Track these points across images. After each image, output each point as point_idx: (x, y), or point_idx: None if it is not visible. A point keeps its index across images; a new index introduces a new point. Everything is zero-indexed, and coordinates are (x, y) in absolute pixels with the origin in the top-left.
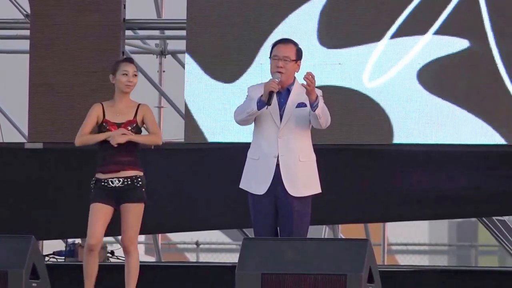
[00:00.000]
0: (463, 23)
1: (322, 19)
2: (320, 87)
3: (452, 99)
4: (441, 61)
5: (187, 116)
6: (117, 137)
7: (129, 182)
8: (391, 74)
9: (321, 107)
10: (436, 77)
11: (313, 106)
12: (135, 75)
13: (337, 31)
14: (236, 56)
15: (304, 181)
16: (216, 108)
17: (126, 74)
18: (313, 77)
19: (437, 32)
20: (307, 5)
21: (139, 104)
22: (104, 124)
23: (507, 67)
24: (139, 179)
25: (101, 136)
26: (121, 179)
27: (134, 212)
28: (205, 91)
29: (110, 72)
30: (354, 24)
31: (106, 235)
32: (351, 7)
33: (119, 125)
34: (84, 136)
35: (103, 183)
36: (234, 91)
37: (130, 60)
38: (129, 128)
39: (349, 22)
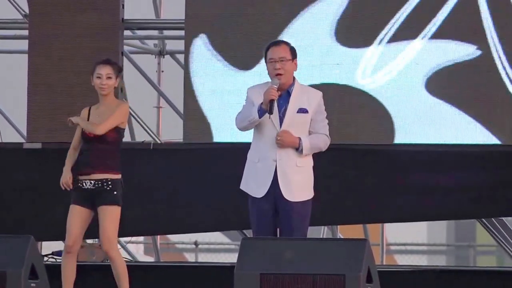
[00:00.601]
0: (463, 25)
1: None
2: (319, 85)
3: (453, 101)
4: (443, 63)
5: (186, 117)
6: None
7: (99, 184)
8: (392, 74)
9: (308, 148)
10: (438, 79)
11: (298, 151)
12: (109, 77)
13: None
14: (234, 56)
15: (298, 185)
16: (215, 108)
17: (99, 77)
18: (281, 137)
19: (436, 35)
20: (314, 7)
21: (120, 103)
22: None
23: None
24: (109, 183)
25: (67, 165)
26: (92, 181)
27: (107, 215)
28: (204, 93)
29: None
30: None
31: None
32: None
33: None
34: (69, 154)
35: (79, 184)
36: (233, 92)
37: (105, 62)
38: None
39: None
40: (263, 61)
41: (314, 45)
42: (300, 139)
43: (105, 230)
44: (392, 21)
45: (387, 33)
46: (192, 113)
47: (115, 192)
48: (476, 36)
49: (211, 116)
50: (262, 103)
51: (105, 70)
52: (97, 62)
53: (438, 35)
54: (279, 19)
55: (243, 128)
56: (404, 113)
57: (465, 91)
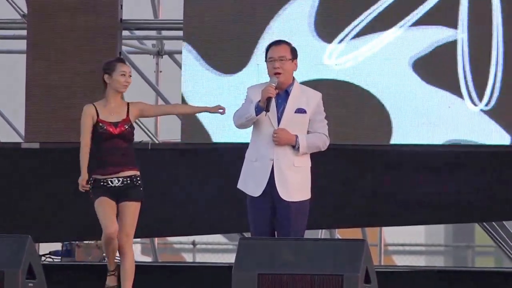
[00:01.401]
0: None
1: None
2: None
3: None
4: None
5: (184, 117)
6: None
7: (129, 181)
8: (389, 71)
9: (305, 146)
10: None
11: (295, 149)
12: (131, 76)
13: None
14: (233, 56)
15: (295, 186)
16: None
17: (124, 75)
18: (277, 134)
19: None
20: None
21: (128, 103)
22: (100, 124)
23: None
24: (138, 178)
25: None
26: (120, 179)
27: (131, 210)
28: (202, 91)
29: (103, 71)
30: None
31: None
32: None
33: (115, 125)
34: (84, 153)
35: (102, 183)
36: (231, 90)
37: (124, 61)
38: (126, 127)
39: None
40: (260, 55)
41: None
42: (297, 137)
43: (128, 225)
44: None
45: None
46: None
47: (141, 188)
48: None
49: (209, 117)
50: (259, 100)
51: (128, 68)
52: (113, 61)
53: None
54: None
55: (240, 126)
56: (402, 114)
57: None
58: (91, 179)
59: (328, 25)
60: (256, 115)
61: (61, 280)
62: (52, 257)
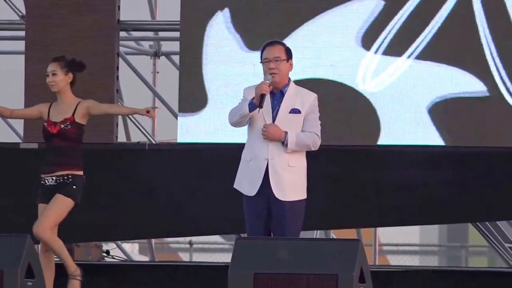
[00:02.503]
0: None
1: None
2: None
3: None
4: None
5: (181, 117)
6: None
7: (61, 180)
8: (383, 77)
9: (293, 142)
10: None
11: (284, 145)
12: (54, 74)
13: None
14: (229, 57)
15: (290, 185)
16: (210, 109)
17: (47, 75)
18: (266, 128)
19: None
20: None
21: (79, 101)
22: (45, 124)
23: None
24: (70, 177)
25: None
26: (54, 178)
27: (56, 202)
28: (198, 93)
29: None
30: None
31: (105, 239)
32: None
33: (55, 124)
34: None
35: (42, 181)
36: (228, 92)
37: (54, 59)
38: (64, 126)
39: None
40: (257, 57)
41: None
42: (286, 133)
43: (44, 217)
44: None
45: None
46: (187, 114)
47: (74, 186)
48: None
49: (206, 117)
50: (253, 98)
51: (50, 67)
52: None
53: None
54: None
55: (234, 123)
56: (391, 114)
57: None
58: (39, 177)
59: None
60: (250, 112)
61: (59, 279)
62: None
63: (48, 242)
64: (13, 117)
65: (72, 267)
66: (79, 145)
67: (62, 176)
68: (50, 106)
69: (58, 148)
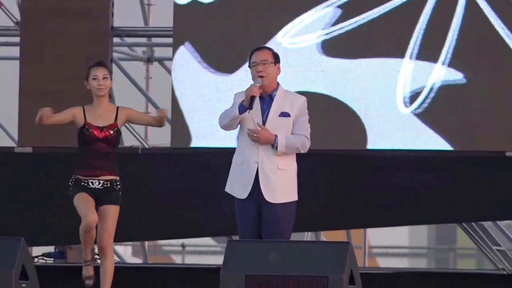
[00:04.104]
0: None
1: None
2: (304, 93)
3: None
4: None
5: (174, 122)
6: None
7: (109, 185)
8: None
9: (283, 145)
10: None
11: (273, 148)
12: (106, 78)
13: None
14: (222, 63)
15: (281, 188)
16: (202, 113)
17: (96, 78)
18: (254, 132)
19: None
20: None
21: (118, 107)
22: (86, 126)
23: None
24: (118, 183)
25: (58, 119)
26: (101, 181)
27: (112, 213)
28: (191, 98)
29: (84, 79)
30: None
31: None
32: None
33: (101, 129)
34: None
35: (83, 183)
36: (220, 98)
37: (100, 64)
38: (111, 132)
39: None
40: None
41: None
42: (276, 136)
43: (108, 227)
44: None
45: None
46: (179, 119)
47: (120, 193)
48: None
49: (198, 122)
50: (243, 100)
51: (101, 71)
52: (90, 66)
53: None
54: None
55: (225, 126)
56: (378, 120)
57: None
58: (72, 178)
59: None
60: (240, 114)
61: (53, 281)
62: (45, 258)
63: (110, 258)
64: (48, 123)
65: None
66: (116, 150)
67: (110, 181)
68: (84, 109)
69: (104, 153)
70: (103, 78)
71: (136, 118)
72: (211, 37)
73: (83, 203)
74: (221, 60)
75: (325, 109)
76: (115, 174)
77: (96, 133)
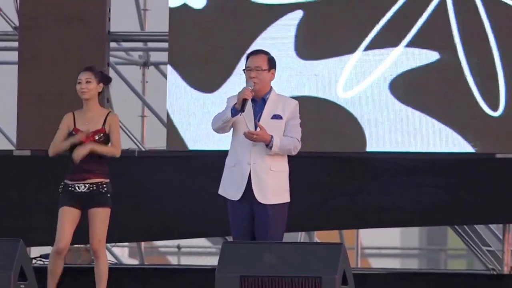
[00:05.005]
0: (433, 35)
1: (299, 31)
2: (296, 97)
3: (423, 109)
4: (412, 72)
5: (169, 125)
6: (78, 152)
7: (94, 188)
8: (364, 85)
9: (278, 146)
10: (407, 88)
11: (268, 147)
12: (89, 81)
13: (314, 43)
14: (216, 67)
15: (273, 190)
16: (197, 117)
17: (80, 82)
18: (251, 133)
19: (408, 45)
20: (286, 18)
21: (108, 112)
22: (73, 132)
23: (475, 77)
24: (104, 185)
25: (67, 143)
26: (87, 185)
27: (101, 217)
28: (186, 101)
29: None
30: (329, 36)
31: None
32: (327, 19)
33: (88, 134)
34: (55, 144)
35: (70, 188)
36: (214, 100)
37: (86, 69)
38: (97, 138)
39: (324, 34)
40: (243, 67)
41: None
42: (272, 136)
43: (97, 231)
44: (366, 33)
45: (360, 45)
46: (175, 122)
47: (108, 195)
48: (446, 47)
49: (194, 125)
50: (235, 103)
51: (84, 75)
52: (80, 71)
53: (410, 46)
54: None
55: (217, 129)
56: (375, 122)
57: (435, 101)
58: (62, 184)
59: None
60: (232, 117)
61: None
62: (43, 260)
63: (103, 259)
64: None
65: None
66: (107, 157)
67: (95, 184)
68: (73, 114)
69: (91, 157)
70: (86, 82)
71: (111, 131)
72: (207, 41)
73: (61, 223)
74: (216, 65)
75: (319, 112)
76: (103, 176)
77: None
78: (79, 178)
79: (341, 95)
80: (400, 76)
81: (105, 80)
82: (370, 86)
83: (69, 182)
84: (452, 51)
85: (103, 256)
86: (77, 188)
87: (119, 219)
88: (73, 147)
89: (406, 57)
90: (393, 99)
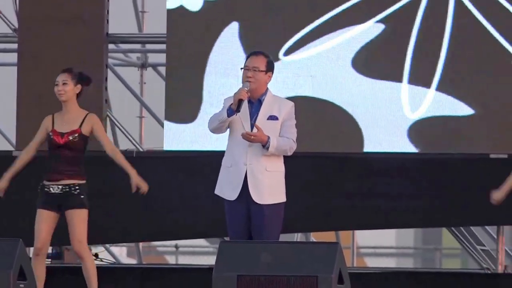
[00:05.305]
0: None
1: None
2: (293, 98)
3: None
4: None
5: (167, 126)
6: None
7: (67, 189)
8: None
9: (274, 146)
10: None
11: (264, 148)
12: (65, 83)
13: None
14: (214, 68)
15: (269, 190)
16: (194, 117)
17: (56, 84)
18: (249, 134)
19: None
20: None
21: (87, 114)
22: (50, 133)
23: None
24: (77, 187)
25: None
26: (60, 186)
27: (77, 218)
28: (184, 102)
29: None
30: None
31: (93, 242)
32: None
33: (62, 135)
34: (21, 158)
35: (46, 189)
36: (212, 102)
37: (63, 70)
38: (70, 138)
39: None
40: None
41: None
42: (269, 137)
43: (75, 232)
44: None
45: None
46: (172, 123)
47: (82, 196)
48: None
49: (191, 126)
50: (231, 104)
51: (61, 77)
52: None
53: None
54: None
55: (213, 129)
56: (373, 123)
57: None
58: (40, 184)
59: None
60: (228, 117)
61: (50, 281)
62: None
63: (87, 258)
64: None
65: None
66: (83, 154)
67: (68, 186)
68: (53, 116)
69: (64, 158)
70: (63, 83)
71: (96, 132)
72: (203, 43)
73: (37, 225)
74: (214, 65)
75: (318, 112)
76: (77, 178)
77: (57, 139)
78: (53, 179)
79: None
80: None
81: (84, 81)
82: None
83: (46, 183)
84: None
85: (87, 256)
86: (51, 189)
87: (117, 220)
88: (49, 148)
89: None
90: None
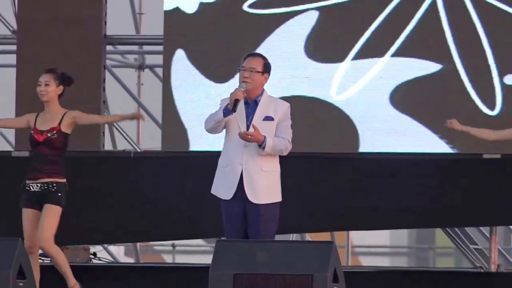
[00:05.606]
0: (425, 42)
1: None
2: (289, 98)
3: (413, 113)
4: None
5: (164, 126)
6: None
7: (45, 187)
8: (357, 88)
9: (270, 146)
10: (401, 93)
11: (260, 148)
12: (47, 84)
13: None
14: (211, 70)
15: (264, 190)
16: (193, 119)
17: (39, 85)
18: (246, 134)
19: (398, 53)
20: (286, 25)
21: (66, 112)
22: (31, 131)
23: (471, 81)
24: (55, 185)
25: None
26: (38, 184)
27: (49, 213)
28: (181, 104)
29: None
30: (325, 41)
31: (91, 242)
32: (324, 24)
33: (42, 132)
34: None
35: (27, 187)
36: (209, 103)
37: (46, 71)
38: (49, 135)
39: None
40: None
41: (287, 60)
42: (265, 137)
43: (43, 228)
44: (361, 39)
45: (351, 52)
46: (170, 123)
47: (59, 194)
48: (438, 52)
49: (188, 127)
50: (228, 104)
51: (43, 78)
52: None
53: (402, 52)
54: (255, 34)
55: (210, 129)
56: (368, 124)
57: (427, 105)
58: (22, 183)
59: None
60: (224, 117)
61: (49, 280)
62: (42, 258)
63: (54, 254)
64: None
65: (72, 281)
66: (63, 153)
67: (47, 184)
68: (37, 115)
69: (44, 156)
70: (45, 84)
71: (81, 119)
72: (201, 45)
73: (24, 223)
74: (211, 68)
75: (314, 112)
76: (55, 176)
77: (36, 136)
78: (33, 178)
79: (335, 98)
80: (393, 82)
81: (66, 82)
82: (363, 89)
83: (27, 182)
84: (448, 59)
85: (54, 251)
86: (31, 187)
87: (115, 220)
88: (31, 147)
89: (397, 63)
90: (386, 101)
